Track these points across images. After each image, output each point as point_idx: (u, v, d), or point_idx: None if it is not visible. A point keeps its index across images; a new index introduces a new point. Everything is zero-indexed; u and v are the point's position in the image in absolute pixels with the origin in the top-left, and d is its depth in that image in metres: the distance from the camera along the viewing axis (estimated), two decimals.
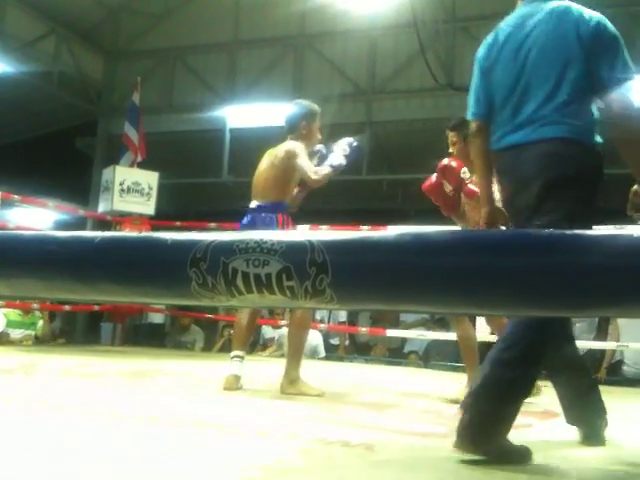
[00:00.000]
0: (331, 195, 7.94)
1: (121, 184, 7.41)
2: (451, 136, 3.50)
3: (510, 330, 2.02)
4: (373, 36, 9.44)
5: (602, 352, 6.64)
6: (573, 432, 2.67)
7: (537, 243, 0.71)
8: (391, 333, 6.80)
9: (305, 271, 0.80)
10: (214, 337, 7.67)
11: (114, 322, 7.51)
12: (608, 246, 0.65)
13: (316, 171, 3.55)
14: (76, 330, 8.91)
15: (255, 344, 7.85)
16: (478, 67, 2.29)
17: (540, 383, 3.18)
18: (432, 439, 2.35)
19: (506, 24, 2.27)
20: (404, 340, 7.54)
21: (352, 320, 8.13)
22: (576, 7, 2.13)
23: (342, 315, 7.83)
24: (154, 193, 7.60)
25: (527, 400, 2.07)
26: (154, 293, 0.93)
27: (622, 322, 6.18)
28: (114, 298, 1.00)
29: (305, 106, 3.84)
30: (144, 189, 7.42)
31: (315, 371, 4.31)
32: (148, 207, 7.53)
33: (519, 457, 1.98)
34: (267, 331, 7.45)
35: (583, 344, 6.42)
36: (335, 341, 7.98)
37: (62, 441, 1.92)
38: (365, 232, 0.73)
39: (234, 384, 3.42)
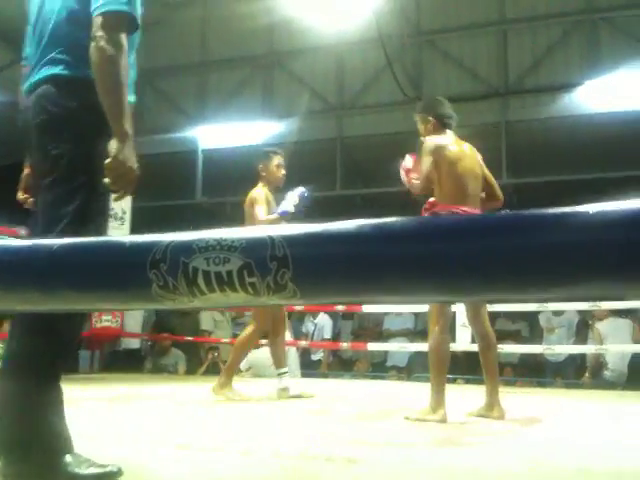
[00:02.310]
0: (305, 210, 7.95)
1: None
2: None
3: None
4: (340, 51, 9.53)
5: (582, 357, 6.70)
6: (554, 438, 2.68)
7: (502, 225, 0.71)
8: (372, 347, 6.78)
9: (266, 266, 0.78)
10: (196, 360, 7.58)
11: (92, 349, 7.40)
12: (571, 224, 0.65)
13: (262, 218, 4.15)
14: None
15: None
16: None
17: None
18: (415, 450, 2.35)
19: None
20: (387, 354, 7.52)
21: (335, 338, 8.09)
22: None
23: (327, 332, 7.81)
24: (128, 217, 7.54)
25: None
26: (115, 298, 0.91)
27: (604, 330, 6.25)
28: (74, 306, 0.97)
29: (260, 151, 4.51)
30: (117, 213, 7.35)
31: (299, 386, 4.28)
32: (122, 231, 7.45)
33: None
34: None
35: (564, 349, 6.49)
36: (316, 356, 7.95)
37: None
38: (325, 224, 0.71)
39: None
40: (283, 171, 4.35)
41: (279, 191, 4.39)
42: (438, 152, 3.24)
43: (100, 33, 1.74)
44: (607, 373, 6.27)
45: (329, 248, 0.79)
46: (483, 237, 0.70)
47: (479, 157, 3.44)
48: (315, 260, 0.78)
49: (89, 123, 1.83)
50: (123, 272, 0.87)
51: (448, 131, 3.41)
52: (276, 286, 0.78)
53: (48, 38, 1.92)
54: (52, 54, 1.88)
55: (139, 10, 1.87)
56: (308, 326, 7.74)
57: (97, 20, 1.76)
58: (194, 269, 0.81)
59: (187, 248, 0.82)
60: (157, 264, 0.82)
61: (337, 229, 0.81)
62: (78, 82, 1.83)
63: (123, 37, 1.78)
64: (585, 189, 8.94)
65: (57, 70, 1.86)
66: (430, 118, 3.44)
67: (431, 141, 3.28)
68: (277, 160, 4.35)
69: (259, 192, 4.30)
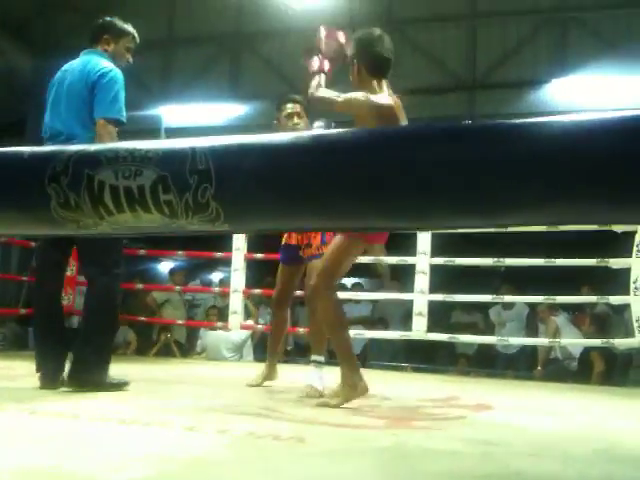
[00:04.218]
0: None
1: None
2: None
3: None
4: (309, 36, 9.36)
5: (533, 349, 6.70)
6: (505, 423, 2.65)
7: (458, 135, 0.60)
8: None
9: (185, 180, 0.66)
10: (148, 341, 7.40)
11: None
12: (533, 135, 0.55)
13: None
14: (5, 336, 8.47)
15: (193, 348, 7.65)
16: (49, 87, 3.16)
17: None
18: (365, 431, 2.29)
19: (68, 64, 3.15)
20: None
21: (293, 324, 7.98)
22: (96, 60, 3.02)
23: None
24: None
25: None
26: (7, 218, 0.77)
27: (559, 323, 6.27)
28: None
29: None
30: None
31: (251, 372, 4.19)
32: None
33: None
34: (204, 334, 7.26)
35: (517, 341, 6.48)
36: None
37: None
38: (257, 135, 0.61)
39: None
40: (295, 120, 3.74)
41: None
42: None
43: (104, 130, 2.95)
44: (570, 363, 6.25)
45: (259, 161, 0.66)
46: (434, 149, 0.59)
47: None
48: (242, 175, 0.65)
49: None
50: (19, 187, 0.73)
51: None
52: (196, 205, 0.65)
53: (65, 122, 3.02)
54: (66, 133, 2.98)
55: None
56: (266, 318, 7.61)
57: (100, 122, 2.95)
58: (100, 183, 0.67)
59: (93, 159, 0.68)
60: (57, 177, 0.68)
61: (269, 141, 0.68)
62: None
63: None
64: None
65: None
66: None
67: None
68: (288, 109, 3.76)
69: None
